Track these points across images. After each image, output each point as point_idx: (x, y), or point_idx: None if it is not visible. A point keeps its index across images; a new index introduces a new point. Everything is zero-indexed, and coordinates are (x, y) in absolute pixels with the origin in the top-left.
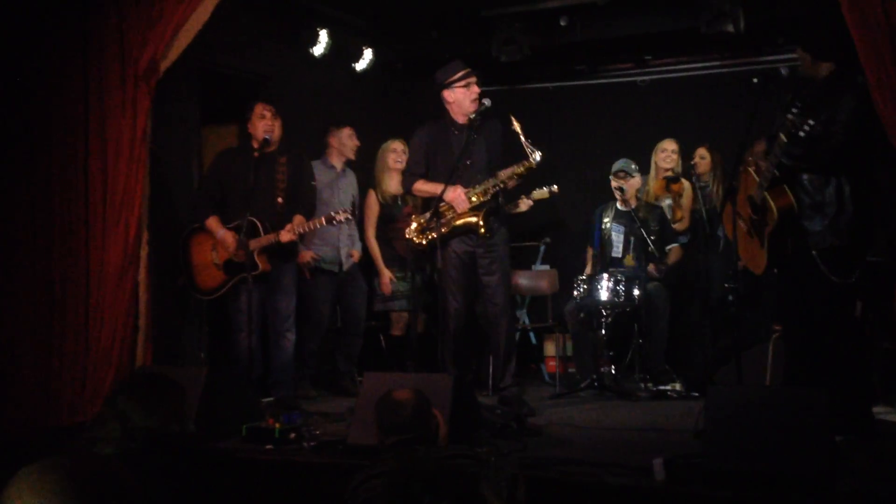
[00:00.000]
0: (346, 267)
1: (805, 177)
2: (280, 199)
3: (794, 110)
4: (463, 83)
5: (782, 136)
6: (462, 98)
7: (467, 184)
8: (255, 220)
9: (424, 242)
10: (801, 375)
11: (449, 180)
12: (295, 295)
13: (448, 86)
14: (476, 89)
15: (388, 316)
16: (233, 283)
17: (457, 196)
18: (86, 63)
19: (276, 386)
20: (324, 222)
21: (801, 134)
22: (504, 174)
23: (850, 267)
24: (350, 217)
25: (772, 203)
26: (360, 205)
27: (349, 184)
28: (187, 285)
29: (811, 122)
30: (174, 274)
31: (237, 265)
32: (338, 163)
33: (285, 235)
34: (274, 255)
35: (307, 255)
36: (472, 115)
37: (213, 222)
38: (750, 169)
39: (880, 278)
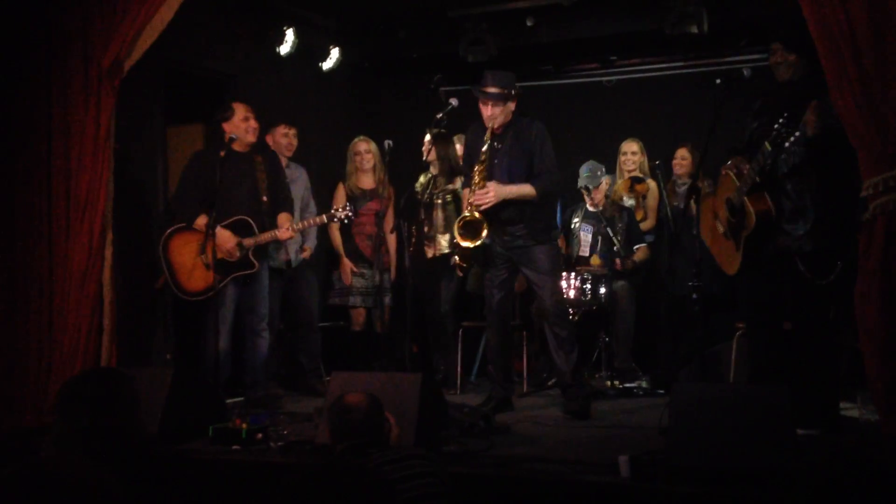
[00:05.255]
0: (294, 263)
1: (789, 183)
2: (265, 198)
3: (781, 121)
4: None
5: (767, 145)
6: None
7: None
8: (247, 219)
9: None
10: (767, 373)
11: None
12: (268, 296)
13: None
14: (486, 109)
15: (348, 312)
16: (226, 283)
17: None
18: (49, 61)
19: (254, 386)
20: (324, 219)
21: (787, 144)
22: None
23: (829, 267)
24: (350, 215)
25: (750, 207)
26: (319, 198)
27: (296, 179)
28: (171, 287)
29: (797, 133)
30: (146, 275)
31: (230, 264)
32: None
33: (284, 233)
34: (256, 255)
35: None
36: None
37: (202, 222)
38: (730, 172)
39: (848, 279)
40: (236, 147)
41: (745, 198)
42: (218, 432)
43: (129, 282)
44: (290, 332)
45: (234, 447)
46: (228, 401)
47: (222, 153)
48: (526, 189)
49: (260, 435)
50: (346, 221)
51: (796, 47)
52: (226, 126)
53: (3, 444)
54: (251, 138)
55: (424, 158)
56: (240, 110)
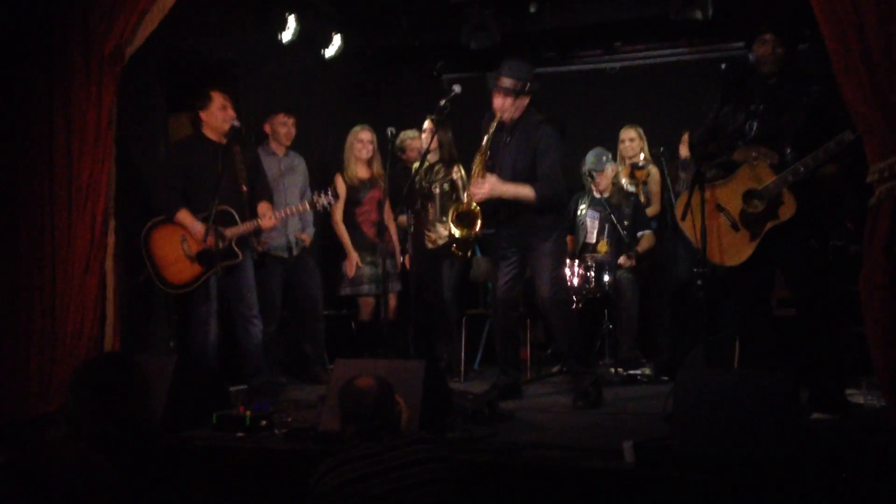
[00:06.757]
0: (295, 252)
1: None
2: (244, 188)
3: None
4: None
5: (833, 143)
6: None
7: None
8: (229, 208)
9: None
10: (764, 360)
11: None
12: (254, 283)
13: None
14: (497, 99)
15: (356, 301)
16: (210, 274)
17: None
18: (50, 49)
19: (256, 373)
20: (307, 207)
21: (853, 137)
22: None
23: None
24: (332, 201)
25: (791, 197)
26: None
27: (295, 168)
28: (154, 280)
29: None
30: (136, 268)
31: (212, 255)
32: (278, 149)
33: (267, 222)
34: (238, 244)
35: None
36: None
37: (184, 215)
38: (761, 163)
39: (844, 262)
40: (212, 136)
41: (785, 189)
42: (221, 419)
43: (130, 270)
44: (294, 321)
45: (238, 434)
46: (231, 389)
47: (188, 141)
48: (525, 191)
49: (264, 422)
50: (328, 208)
51: (788, 41)
52: (202, 115)
53: (6, 433)
54: (227, 127)
55: (425, 146)
56: (217, 99)
